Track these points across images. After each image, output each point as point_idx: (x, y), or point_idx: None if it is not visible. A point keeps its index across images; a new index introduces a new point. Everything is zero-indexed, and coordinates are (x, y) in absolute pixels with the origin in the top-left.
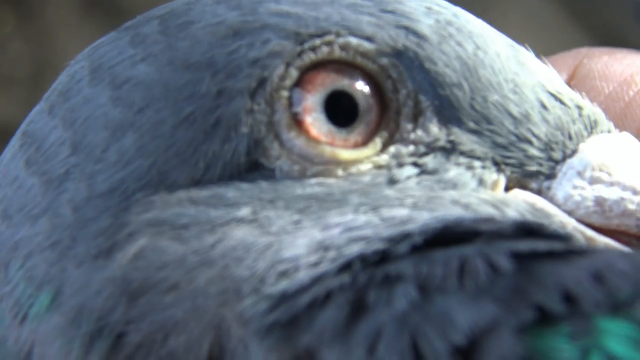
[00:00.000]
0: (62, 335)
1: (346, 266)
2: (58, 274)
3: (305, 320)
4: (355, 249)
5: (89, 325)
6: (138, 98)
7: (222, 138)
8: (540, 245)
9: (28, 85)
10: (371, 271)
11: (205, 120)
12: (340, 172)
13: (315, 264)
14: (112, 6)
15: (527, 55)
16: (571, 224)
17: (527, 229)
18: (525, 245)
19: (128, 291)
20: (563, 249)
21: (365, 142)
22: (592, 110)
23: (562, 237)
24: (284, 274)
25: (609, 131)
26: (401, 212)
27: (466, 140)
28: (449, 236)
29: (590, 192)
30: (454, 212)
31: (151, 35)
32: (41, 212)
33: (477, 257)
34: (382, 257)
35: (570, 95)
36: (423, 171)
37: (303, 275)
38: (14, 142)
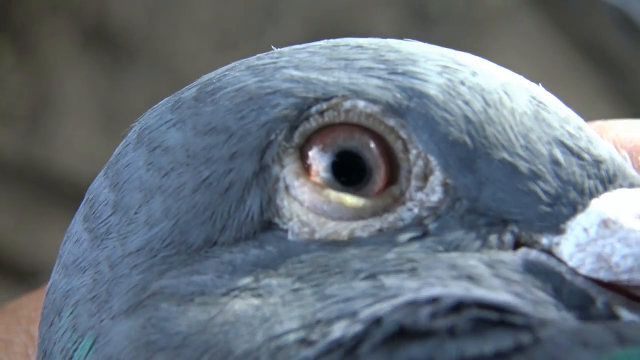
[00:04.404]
0: None
1: (327, 352)
2: (96, 324)
3: None
4: (339, 329)
5: None
6: (165, 162)
7: (237, 200)
8: (488, 346)
9: (27, 121)
10: None
11: (220, 183)
12: (345, 234)
13: (303, 341)
14: (110, 42)
15: (550, 109)
16: (577, 282)
17: (488, 320)
18: (473, 347)
19: (142, 349)
20: (510, 346)
21: (372, 199)
22: (614, 163)
23: (524, 326)
24: (274, 355)
25: (632, 185)
26: (393, 281)
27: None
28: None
29: (593, 248)
30: (445, 283)
31: (187, 102)
32: (87, 266)
33: None
34: (356, 344)
35: (590, 150)
36: (426, 232)
37: (291, 355)
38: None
